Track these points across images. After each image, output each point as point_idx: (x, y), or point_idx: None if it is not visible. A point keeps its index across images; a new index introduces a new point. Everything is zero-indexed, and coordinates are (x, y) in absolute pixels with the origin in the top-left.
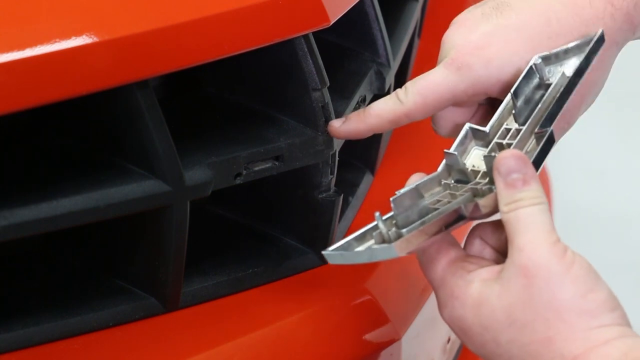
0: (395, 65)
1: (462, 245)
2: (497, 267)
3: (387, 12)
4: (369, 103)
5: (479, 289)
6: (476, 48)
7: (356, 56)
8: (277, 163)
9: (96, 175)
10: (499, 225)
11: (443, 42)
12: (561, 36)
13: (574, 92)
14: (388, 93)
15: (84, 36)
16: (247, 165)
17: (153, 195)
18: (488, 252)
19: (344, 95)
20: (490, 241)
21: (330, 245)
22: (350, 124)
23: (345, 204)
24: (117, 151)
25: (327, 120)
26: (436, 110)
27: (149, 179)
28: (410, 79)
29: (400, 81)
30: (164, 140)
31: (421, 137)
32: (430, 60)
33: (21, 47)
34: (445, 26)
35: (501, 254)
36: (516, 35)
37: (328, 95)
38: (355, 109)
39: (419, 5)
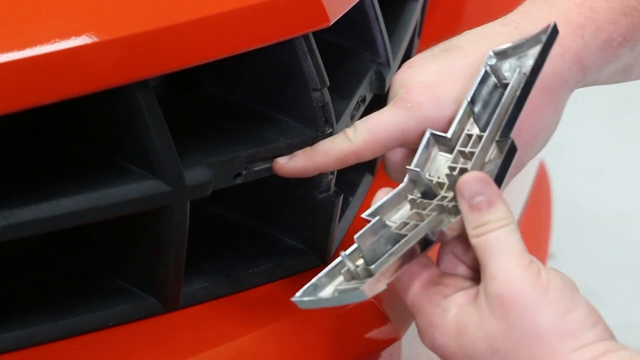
0: (395, 65)
1: (436, 260)
2: (472, 291)
3: (387, 12)
4: (369, 103)
5: (456, 317)
6: (425, 87)
7: (356, 56)
8: None
9: (96, 175)
10: (469, 242)
11: (393, 83)
12: None
13: (530, 97)
14: (388, 93)
15: (84, 36)
16: (247, 166)
17: (153, 195)
18: (462, 269)
19: (344, 95)
20: (463, 258)
21: (330, 246)
22: (297, 161)
23: (345, 204)
24: (117, 151)
25: (327, 120)
26: (385, 150)
27: (149, 179)
28: None
29: None
30: (164, 140)
31: None
32: None
33: (21, 47)
34: (445, 26)
35: (475, 271)
36: (466, 74)
37: (328, 95)
38: (355, 109)
39: (419, 5)
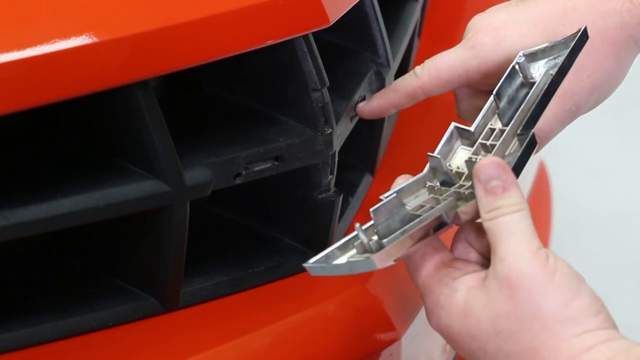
0: (395, 65)
1: (450, 246)
2: (482, 274)
3: (387, 12)
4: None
5: (464, 298)
6: (491, 29)
7: (356, 56)
8: (276, 163)
9: (96, 175)
10: (482, 228)
11: (466, 27)
12: (575, 24)
13: (558, 91)
14: None
15: (84, 36)
16: (246, 166)
17: (153, 195)
18: (474, 255)
19: (344, 95)
20: (475, 244)
21: (329, 244)
22: (372, 102)
23: (345, 204)
24: (117, 151)
25: (327, 120)
26: (449, 86)
27: (149, 179)
28: None
29: None
30: (164, 140)
31: (420, 137)
32: None
33: (21, 47)
34: (445, 26)
35: (486, 258)
36: (531, 20)
37: (328, 95)
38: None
39: (419, 5)
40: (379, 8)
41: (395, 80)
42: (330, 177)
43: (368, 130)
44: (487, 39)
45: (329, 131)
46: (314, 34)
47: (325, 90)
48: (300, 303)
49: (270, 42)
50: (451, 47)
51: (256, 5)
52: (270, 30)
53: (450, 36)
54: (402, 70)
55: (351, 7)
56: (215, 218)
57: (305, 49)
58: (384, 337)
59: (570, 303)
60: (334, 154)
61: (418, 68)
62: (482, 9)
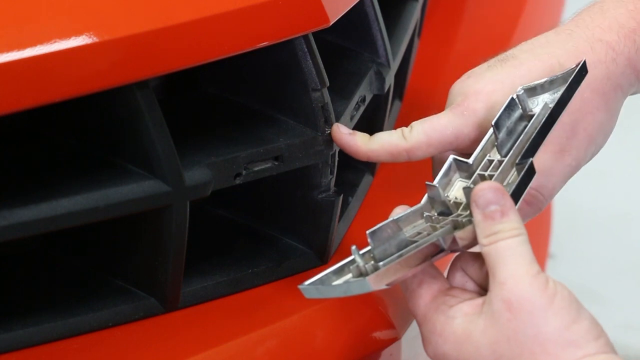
0: (395, 65)
1: (446, 274)
2: (479, 300)
3: (387, 12)
4: (369, 103)
5: (461, 325)
6: (481, 94)
7: (356, 56)
8: (276, 163)
9: (96, 175)
10: (479, 257)
11: (451, 92)
12: None
13: (557, 122)
14: (387, 93)
15: (84, 36)
16: (246, 166)
17: (153, 196)
18: (470, 285)
19: (344, 95)
20: (472, 274)
21: (329, 246)
22: (355, 140)
23: (345, 204)
24: (117, 151)
25: (327, 120)
26: (437, 151)
27: (149, 179)
28: (410, 79)
29: (400, 81)
30: (164, 140)
31: None
32: (430, 61)
33: (21, 47)
34: (445, 26)
35: (483, 287)
36: (520, 82)
37: (328, 95)
38: (355, 109)
39: (419, 5)
40: (379, 8)
41: (382, 133)
42: (330, 177)
43: (368, 131)
44: (478, 104)
45: (329, 131)
46: (314, 34)
47: (325, 90)
48: (300, 303)
49: (270, 42)
50: (450, 48)
51: (256, 5)
52: (270, 30)
53: (450, 37)
54: (402, 70)
55: (351, 7)
56: (215, 218)
57: (305, 49)
58: (384, 337)
59: (570, 327)
60: (334, 154)
61: (406, 130)
62: (480, 10)
